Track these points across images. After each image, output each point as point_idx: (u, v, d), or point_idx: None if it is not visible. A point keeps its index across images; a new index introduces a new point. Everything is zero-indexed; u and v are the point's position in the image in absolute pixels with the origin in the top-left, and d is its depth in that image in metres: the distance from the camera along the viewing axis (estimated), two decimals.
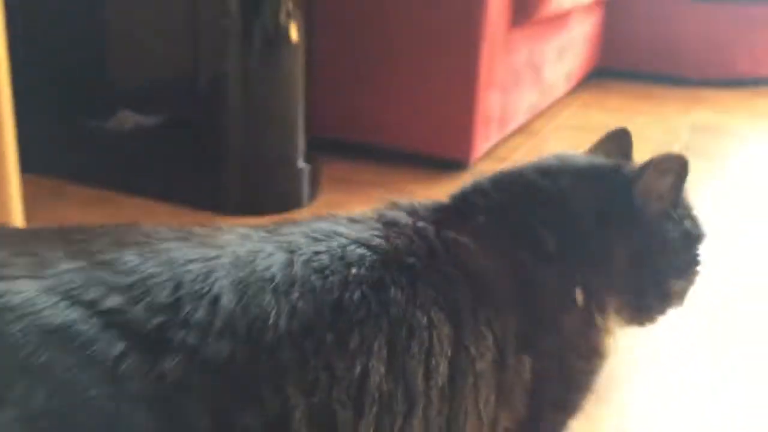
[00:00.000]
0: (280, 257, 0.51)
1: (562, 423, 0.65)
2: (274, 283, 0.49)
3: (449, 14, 1.73)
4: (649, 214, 0.66)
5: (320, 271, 0.51)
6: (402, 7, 1.77)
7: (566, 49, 2.55)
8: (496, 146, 2.03)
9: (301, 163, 1.61)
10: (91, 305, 0.45)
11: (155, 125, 1.69)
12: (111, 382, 0.43)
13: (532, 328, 0.60)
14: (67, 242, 0.49)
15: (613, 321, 0.67)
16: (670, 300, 0.69)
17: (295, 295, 0.49)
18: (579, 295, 0.62)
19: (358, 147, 1.93)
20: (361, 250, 0.54)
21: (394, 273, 0.54)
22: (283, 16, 1.50)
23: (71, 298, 0.45)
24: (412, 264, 0.55)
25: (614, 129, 0.77)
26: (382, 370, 0.51)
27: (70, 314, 0.44)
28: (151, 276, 0.47)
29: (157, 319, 0.46)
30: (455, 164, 1.86)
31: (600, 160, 0.71)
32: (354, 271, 0.52)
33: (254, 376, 0.47)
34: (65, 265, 0.46)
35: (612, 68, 3.31)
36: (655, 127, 2.45)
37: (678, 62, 3.21)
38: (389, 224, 0.59)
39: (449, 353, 0.54)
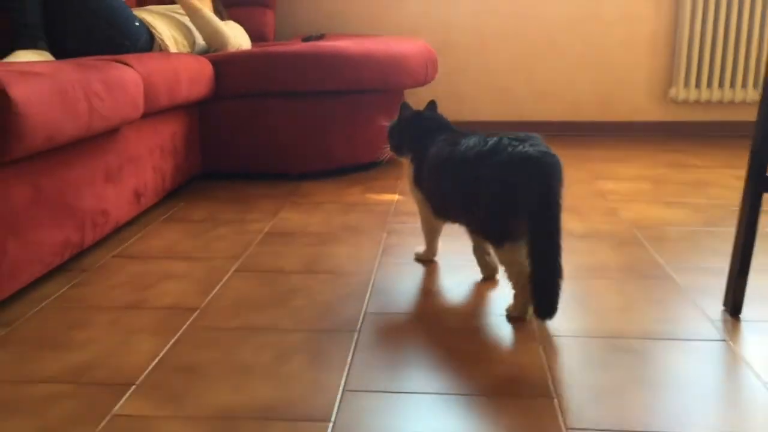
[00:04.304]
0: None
1: None
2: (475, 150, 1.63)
3: None
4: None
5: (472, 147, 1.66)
6: None
7: (122, 167, 2.32)
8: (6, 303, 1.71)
9: None
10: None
11: None
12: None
13: None
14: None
15: None
16: None
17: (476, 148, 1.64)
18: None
19: None
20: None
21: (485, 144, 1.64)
22: None
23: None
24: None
25: (428, 102, 1.99)
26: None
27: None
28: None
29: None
30: None
31: (430, 111, 1.96)
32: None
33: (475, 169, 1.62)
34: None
35: (218, 172, 3.20)
36: (231, 238, 2.32)
37: (278, 159, 3.19)
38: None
39: None
